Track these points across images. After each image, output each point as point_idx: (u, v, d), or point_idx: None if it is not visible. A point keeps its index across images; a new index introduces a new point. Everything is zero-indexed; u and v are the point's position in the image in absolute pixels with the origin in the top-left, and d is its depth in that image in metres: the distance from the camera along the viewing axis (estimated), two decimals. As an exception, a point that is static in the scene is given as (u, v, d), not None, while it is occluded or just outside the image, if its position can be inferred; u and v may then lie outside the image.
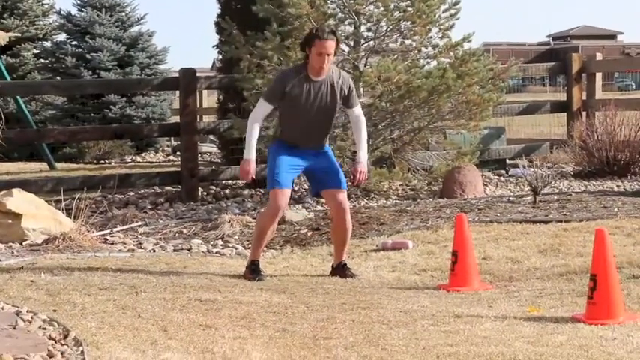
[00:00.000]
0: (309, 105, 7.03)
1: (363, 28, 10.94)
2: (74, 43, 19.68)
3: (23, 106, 16.44)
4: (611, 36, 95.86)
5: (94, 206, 9.69)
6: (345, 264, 7.27)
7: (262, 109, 7.13)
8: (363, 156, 7.18)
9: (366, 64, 10.87)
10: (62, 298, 5.97)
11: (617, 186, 11.34)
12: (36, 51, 20.32)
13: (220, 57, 13.00)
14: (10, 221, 8.81)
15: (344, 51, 10.92)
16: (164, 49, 20.52)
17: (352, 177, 7.19)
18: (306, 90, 7.01)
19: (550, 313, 5.71)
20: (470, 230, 6.95)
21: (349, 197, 10.50)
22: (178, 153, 15.34)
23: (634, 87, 49.73)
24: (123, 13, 20.17)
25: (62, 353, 4.59)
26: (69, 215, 9.00)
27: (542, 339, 5.05)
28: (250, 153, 7.10)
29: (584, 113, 13.89)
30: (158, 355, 4.67)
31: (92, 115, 18.56)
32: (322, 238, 8.54)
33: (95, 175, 12.83)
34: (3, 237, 8.75)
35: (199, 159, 12.72)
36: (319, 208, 10.08)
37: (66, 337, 4.90)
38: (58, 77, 18.67)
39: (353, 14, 10.78)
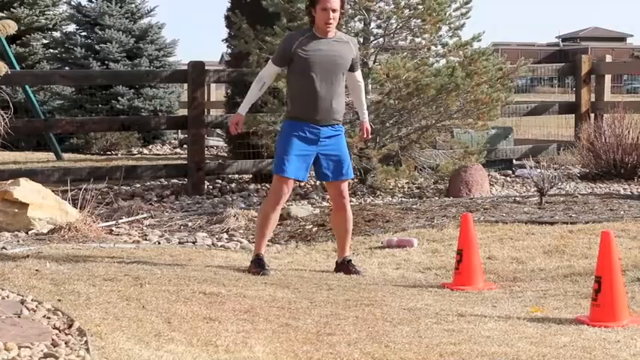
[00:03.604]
0: (318, 61, 6.96)
1: (372, 24, 10.92)
2: (83, 33, 19.72)
3: (32, 95, 16.46)
4: (621, 38, 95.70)
5: (100, 197, 9.70)
6: (350, 260, 7.26)
7: (269, 69, 7.21)
8: (366, 114, 7.46)
9: (375, 62, 10.86)
10: (67, 288, 5.98)
11: (623, 189, 11.31)
12: (45, 41, 20.36)
13: (229, 51, 13.01)
14: (17, 210, 8.83)
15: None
16: (173, 42, 20.56)
17: (361, 134, 7.49)
18: (314, 47, 6.98)
19: (554, 315, 5.71)
20: (475, 229, 6.95)
21: (355, 194, 10.54)
22: (185, 146, 15.34)
23: (643, 90, 49.57)
24: (133, 5, 20.20)
25: (66, 343, 4.59)
26: (75, 206, 9.01)
27: (545, 340, 5.04)
28: (244, 109, 7.21)
29: (592, 115, 13.85)
30: (161, 347, 4.68)
31: (100, 106, 18.60)
32: (327, 234, 8.53)
33: (102, 166, 12.85)
34: (9, 226, 8.77)
35: (206, 152, 12.73)
36: (325, 204, 10.09)
37: (70, 326, 4.91)
38: (67, 67, 18.69)
39: (363, 11, 10.76)
